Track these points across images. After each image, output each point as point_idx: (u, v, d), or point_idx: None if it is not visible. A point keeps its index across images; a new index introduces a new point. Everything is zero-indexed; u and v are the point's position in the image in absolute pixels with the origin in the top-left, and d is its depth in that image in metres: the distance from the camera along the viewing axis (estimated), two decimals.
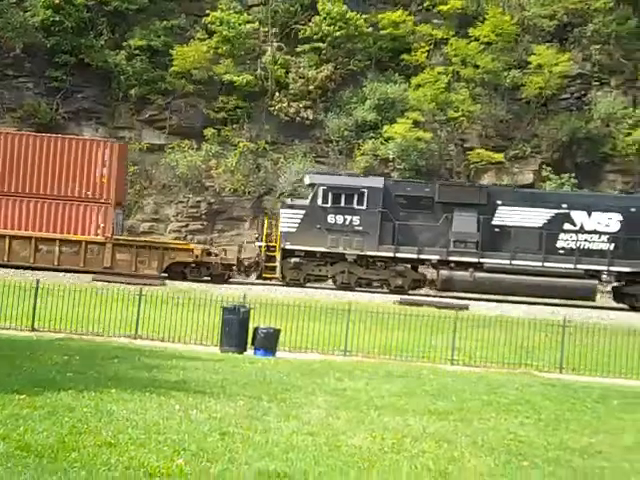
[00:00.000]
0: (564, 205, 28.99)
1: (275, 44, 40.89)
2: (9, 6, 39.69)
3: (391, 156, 37.71)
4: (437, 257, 28.83)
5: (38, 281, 19.96)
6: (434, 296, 28.65)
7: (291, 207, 29.95)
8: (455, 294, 29.26)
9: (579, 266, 28.47)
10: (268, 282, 29.69)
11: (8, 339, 16.44)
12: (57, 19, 39.42)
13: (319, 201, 29.21)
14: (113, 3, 40.24)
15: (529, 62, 38.67)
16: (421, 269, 29.69)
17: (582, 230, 28.75)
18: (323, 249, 28.94)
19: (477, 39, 39.02)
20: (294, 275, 29.13)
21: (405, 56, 39.96)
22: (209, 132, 38.90)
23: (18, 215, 29.48)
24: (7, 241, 28.90)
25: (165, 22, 40.95)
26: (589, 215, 28.83)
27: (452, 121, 38.83)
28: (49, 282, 22.02)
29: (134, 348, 16.30)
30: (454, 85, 39.30)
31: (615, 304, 29.68)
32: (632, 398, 14.27)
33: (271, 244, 29.74)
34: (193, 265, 29.46)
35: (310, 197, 29.73)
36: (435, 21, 41.16)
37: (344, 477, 7.34)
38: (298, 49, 40.57)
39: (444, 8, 40.22)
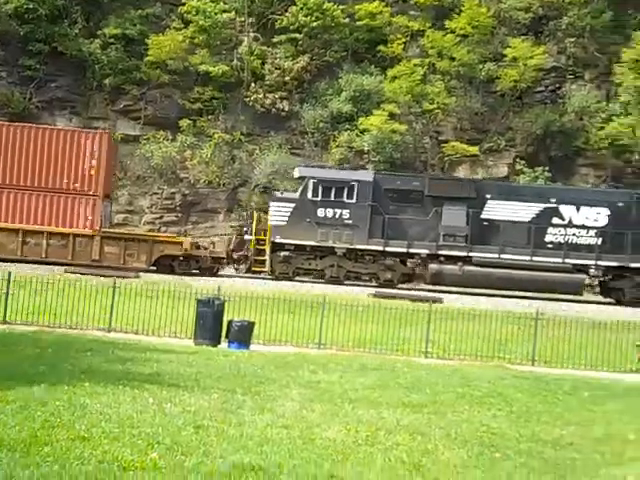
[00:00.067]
0: (553, 199, 29.13)
1: (251, 34, 40.74)
2: None
3: (366, 148, 37.73)
4: (426, 251, 28.86)
5: (10, 273, 19.78)
6: (408, 289, 28.72)
7: (280, 200, 29.80)
8: (426, 287, 29.38)
9: (567, 260, 28.63)
10: (257, 275, 29.59)
11: None
12: (31, 7, 38.98)
13: (309, 194, 29.11)
14: None
15: (504, 55, 38.83)
16: (410, 263, 29.61)
17: (570, 224, 28.92)
18: (313, 243, 28.87)
19: (453, 31, 39.12)
20: (283, 269, 29.06)
21: (381, 48, 39.98)
22: (184, 123, 38.70)
23: (5, 207, 29.13)
24: None
25: (140, 11, 40.68)
26: (577, 210, 29.01)
27: (427, 113, 38.92)
28: (21, 274, 21.82)
29: (108, 341, 16.22)
30: (430, 77, 39.37)
31: (591, 297, 29.92)
32: (602, 390, 14.44)
33: (260, 237, 29.64)
34: (182, 258, 29.34)
35: (300, 190, 29.61)
36: (412, 13, 41.22)
37: (318, 470, 7.36)
38: (274, 40, 40.44)
39: (421, 0, 40.28)
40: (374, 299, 24.06)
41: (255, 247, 29.68)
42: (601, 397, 13.47)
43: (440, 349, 18.60)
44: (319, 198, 29.03)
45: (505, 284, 28.41)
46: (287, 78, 39.58)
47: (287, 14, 40.21)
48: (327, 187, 29.04)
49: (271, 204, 30.03)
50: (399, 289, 28.46)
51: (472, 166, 38.41)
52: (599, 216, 28.96)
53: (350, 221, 28.89)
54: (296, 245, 28.99)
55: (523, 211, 29.05)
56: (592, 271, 29.12)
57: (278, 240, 28.96)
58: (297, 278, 29.08)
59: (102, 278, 24.62)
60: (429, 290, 28.82)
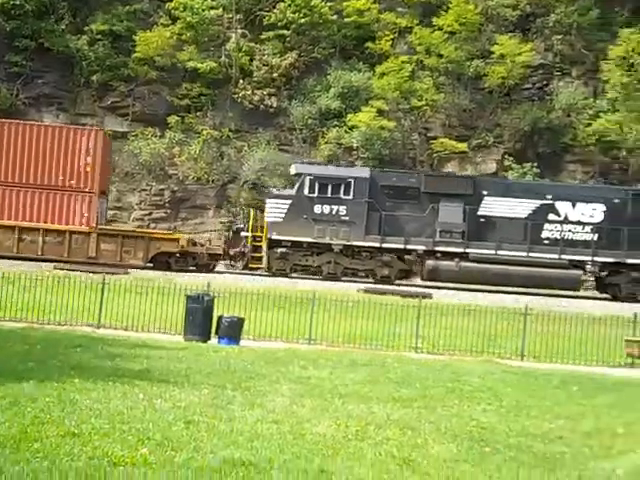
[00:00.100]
0: (549, 196, 29.21)
1: (239, 31, 40.67)
2: None
3: (355, 145, 37.74)
4: (423, 247, 28.89)
5: None
6: (398, 285, 28.76)
7: (277, 197, 29.73)
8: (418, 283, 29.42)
9: (563, 256, 28.72)
10: (253, 272, 29.52)
11: None
12: (17, 2, 38.68)
13: (306, 191, 29.06)
14: None
15: (492, 52, 38.92)
16: (407, 259, 29.56)
17: (566, 221, 29.02)
18: (310, 239, 28.83)
19: (441, 28, 39.17)
20: (280, 265, 29.01)
21: (369, 44, 39.98)
22: (172, 119, 38.59)
23: (1, 204, 28.97)
24: None
25: (128, 7, 40.51)
26: (573, 206, 29.12)
27: (416, 110, 38.96)
28: (10, 271, 21.73)
29: (97, 337, 16.18)
30: (418, 74, 39.42)
31: (586, 293, 30.03)
32: (591, 384, 14.51)
33: (257, 234, 29.58)
34: (178, 255, 29.26)
35: (296, 187, 29.52)
36: (399, 9, 41.25)
37: (309, 465, 7.37)
38: (262, 36, 40.37)
39: None
40: (364, 295, 24.09)
41: (252, 244, 29.60)
42: (590, 391, 13.54)
43: (430, 344, 18.65)
44: (316, 195, 28.99)
45: (502, 280, 28.44)
46: (275, 75, 39.54)
47: (275, 11, 40.17)
48: (324, 184, 29.01)
49: (268, 201, 29.97)
50: (391, 285, 28.47)
51: (461, 162, 38.49)
52: (595, 212, 29.08)
53: (347, 218, 28.88)
54: (293, 242, 28.95)
55: (519, 207, 29.12)
56: (588, 267, 29.18)
57: (275, 237, 28.91)
58: (292, 275, 28.99)
59: (91, 274, 24.52)
60: (419, 286, 28.85)
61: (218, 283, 21.87)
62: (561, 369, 16.79)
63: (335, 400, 10.85)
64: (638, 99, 36.81)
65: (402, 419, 9.90)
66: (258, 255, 29.46)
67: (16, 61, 38.91)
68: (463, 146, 37.93)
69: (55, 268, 26.83)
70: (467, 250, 28.77)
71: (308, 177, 29.17)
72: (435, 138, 38.61)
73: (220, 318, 17.43)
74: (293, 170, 30.59)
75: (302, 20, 39.56)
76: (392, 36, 40.15)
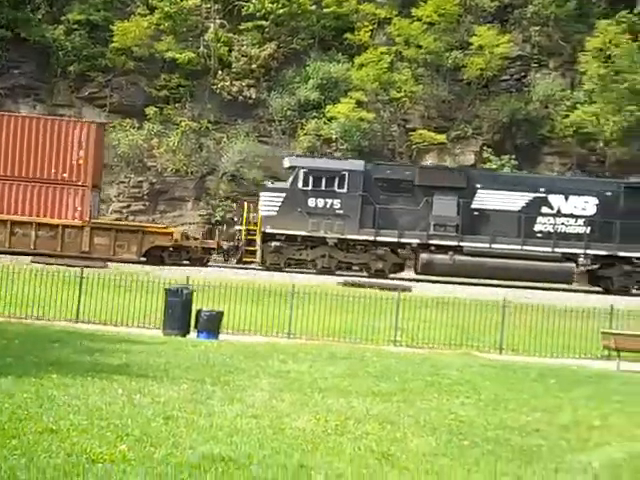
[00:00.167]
0: (542, 189, 29.31)
1: (218, 21, 40.46)
2: None
3: (334, 136, 37.72)
4: (417, 240, 28.92)
5: None
6: (377, 278, 28.80)
7: (271, 190, 29.62)
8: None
9: (557, 249, 28.85)
10: (248, 266, 29.46)
11: None
12: None
13: (299, 184, 28.95)
14: None
15: (470, 43, 39.00)
16: (401, 252, 29.50)
17: (559, 214, 29.16)
18: (304, 233, 28.76)
19: (420, 19, 39.18)
20: (274, 259, 28.92)
21: (348, 35, 39.92)
22: (151, 111, 38.36)
23: None
24: None
25: None
26: (566, 199, 29.24)
27: (395, 101, 38.98)
28: None
29: (76, 332, 16.10)
30: (397, 65, 39.44)
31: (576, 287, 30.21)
32: (569, 377, 14.63)
33: (251, 228, 29.48)
34: (172, 249, 29.13)
35: (290, 180, 29.41)
36: (378, 0, 41.20)
37: (288, 459, 7.38)
38: (241, 27, 40.21)
39: None
40: (343, 288, 24.11)
41: (246, 237, 29.49)
42: (567, 384, 13.65)
43: (409, 337, 18.72)
44: (310, 188, 28.90)
45: (496, 274, 28.50)
46: (254, 66, 39.40)
47: (253, 1, 39.98)
48: (318, 177, 28.93)
49: (261, 194, 29.86)
50: (370, 278, 28.50)
51: (440, 154, 38.56)
52: (587, 205, 29.22)
53: (341, 211, 28.83)
54: (287, 235, 28.86)
55: (513, 200, 29.21)
56: (581, 260, 29.29)
57: (269, 230, 28.81)
58: (286, 269, 28.88)
59: (69, 268, 24.37)
60: (399, 279, 28.87)
61: (198, 276, 21.82)
62: (539, 362, 16.92)
63: (314, 394, 10.87)
64: (615, 91, 37.04)
65: (381, 413, 9.94)
66: (252, 249, 29.36)
67: None
68: (442, 137, 38.01)
69: (32, 262, 26.63)
70: (461, 243, 28.80)
71: (302, 170, 29.07)
72: (414, 129, 38.66)
73: (199, 312, 17.40)
74: (287, 163, 30.49)
75: (281, 10, 39.42)
76: (371, 27, 40.11)
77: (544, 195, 29.22)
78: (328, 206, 28.86)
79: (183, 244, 29.29)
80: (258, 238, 29.06)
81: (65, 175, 28.90)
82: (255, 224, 29.36)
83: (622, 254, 28.83)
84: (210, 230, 31.09)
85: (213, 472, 6.83)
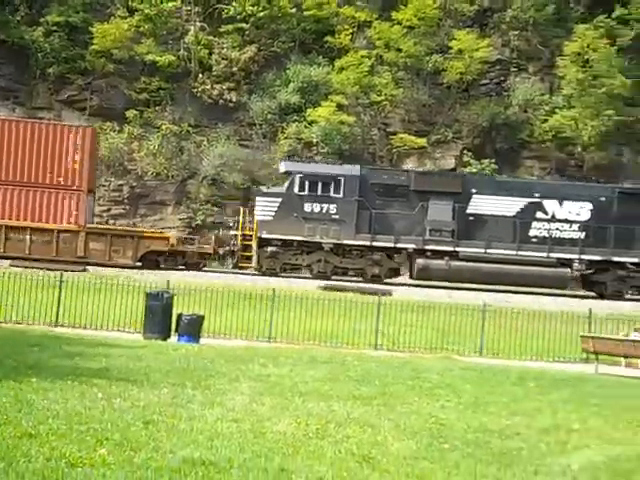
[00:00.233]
0: (536, 194, 29.42)
1: (198, 24, 40.40)
2: None
3: (315, 140, 37.75)
4: (413, 246, 28.95)
5: None
6: (357, 281, 28.83)
7: (267, 195, 29.55)
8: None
9: (552, 255, 28.97)
10: (243, 271, 29.36)
11: None
12: None
13: (295, 189, 28.91)
14: None
15: (450, 47, 39.19)
16: (397, 258, 29.47)
17: (554, 219, 29.27)
18: (300, 238, 28.72)
19: (400, 23, 39.35)
20: (270, 264, 28.86)
21: (329, 38, 40.02)
22: (131, 114, 38.24)
23: None
24: None
25: None
26: (561, 204, 29.37)
27: (375, 105, 39.10)
28: None
29: (55, 336, 16.00)
30: (377, 69, 39.55)
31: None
32: (548, 380, 14.71)
33: (247, 233, 29.40)
34: (168, 254, 29.01)
35: (286, 185, 29.38)
36: (359, 3, 41.32)
37: (269, 463, 7.37)
38: (221, 29, 40.17)
39: None
40: (323, 292, 24.11)
41: (242, 243, 29.42)
42: (547, 387, 13.72)
43: (390, 341, 18.74)
44: (306, 193, 28.86)
45: (491, 279, 28.58)
46: (235, 69, 39.37)
47: (234, 3, 39.97)
48: (314, 182, 28.91)
49: (257, 199, 29.78)
50: (351, 282, 28.50)
51: (420, 158, 38.70)
52: (582, 210, 29.37)
53: (337, 216, 28.80)
54: (283, 240, 28.82)
55: (508, 206, 29.30)
56: (576, 265, 29.38)
57: (265, 235, 28.75)
58: (282, 274, 28.80)
59: (49, 272, 24.24)
60: (383, 283, 28.88)
61: (178, 280, 21.75)
62: (519, 365, 17.00)
63: (295, 398, 10.86)
64: (593, 95, 37.33)
65: (362, 417, 9.95)
66: (248, 254, 29.31)
67: None
68: (422, 141, 38.15)
69: (11, 265, 26.45)
70: (457, 249, 28.85)
71: (298, 175, 29.05)
72: (394, 133, 38.78)
73: (180, 316, 17.35)
74: (282, 168, 30.46)
75: (261, 13, 39.45)
76: (351, 30, 40.23)
77: (539, 200, 29.34)
78: (324, 211, 28.86)
79: (179, 249, 29.22)
80: (254, 243, 28.99)
81: (60, 179, 28.78)
82: (251, 229, 29.32)
83: (616, 259, 29.02)
84: (190, 233, 31.00)
85: (193, 476, 6.82)
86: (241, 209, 30.74)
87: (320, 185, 28.88)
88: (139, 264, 28.69)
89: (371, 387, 12.30)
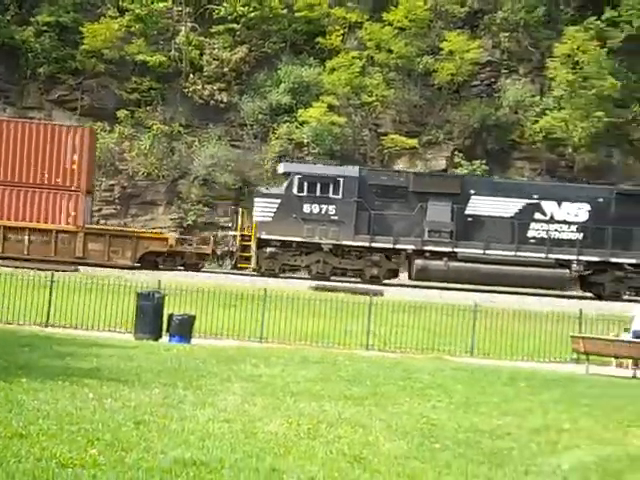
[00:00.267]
0: (535, 195, 29.52)
1: (189, 24, 40.37)
2: None
3: (306, 140, 37.77)
4: (412, 247, 28.98)
5: None
6: (349, 282, 28.85)
7: (266, 196, 29.53)
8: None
9: (550, 255, 29.05)
10: (241, 272, 29.33)
11: None
12: None
13: (294, 190, 28.94)
14: None
15: (441, 48, 39.27)
16: (396, 259, 29.47)
17: (552, 220, 29.37)
18: (299, 239, 28.72)
19: (391, 24, 39.41)
20: (269, 265, 28.83)
21: (320, 39, 40.04)
22: (122, 114, 38.17)
23: None
24: None
25: None
26: (559, 205, 29.47)
27: (366, 106, 39.14)
28: None
29: (46, 336, 15.94)
30: (368, 69, 39.60)
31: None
32: (539, 380, 14.74)
33: (245, 233, 29.38)
34: (166, 255, 28.94)
35: (285, 186, 29.40)
36: (349, 4, 41.37)
37: (260, 463, 7.37)
38: (212, 30, 40.15)
39: None
40: (315, 292, 24.12)
41: (240, 243, 29.41)
42: (537, 387, 13.74)
43: (381, 342, 18.75)
44: (305, 194, 28.87)
45: (490, 280, 28.64)
46: (226, 69, 39.36)
47: (225, 4, 39.96)
48: (313, 183, 28.94)
49: (256, 200, 29.80)
50: (340, 282, 28.53)
51: (411, 159, 38.75)
52: (580, 211, 29.49)
53: (336, 217, 28.84)
54: (282, 241, 28.79)
55: (506, 207, 29.41)
56: (574, 266, 29.45)
57: (264, 236, 28.73)
58: (281, 275, 28.75)
59: (40, 272, 24.16)
60: (374, 283, 28.89)
61: (170, 280, 21.72)
62: (510, 365, 17.02)
63: (287, 398, 10.86)
64: (583, 97, 37.46)
65: (353, 417, 9.95)
66: (247, 255, 29.28)
67: None
68: (413, 142, 38.21)
69: (2, 265, 26.34)
70: (455, 250, 28.90)
71: (297, 176, 29.08)
72: (385, 134, 38.83)
73: (171, 316, 17.33)
74: (281, 169, 30.46)
75: (252, 14, 39.45)
76: (342, 31, 40.27)
77: (537, 201, 29.45)
78: (323, 212, 28.89)
79: (178, 250, 29.18)
80: (253, 244, 28.95)
81: (59, 180, 28.73)
82: (249, 229, 29.30)
83: (614, 260, 29.14)
84: (182, 233, 30.99)
85: (185, 477, 6.81)
86: (240, 209, 30.77)
87: (319, 186, 28.91)
88: (138, 265, 28.63)
89: (362, 387, 12.30)
